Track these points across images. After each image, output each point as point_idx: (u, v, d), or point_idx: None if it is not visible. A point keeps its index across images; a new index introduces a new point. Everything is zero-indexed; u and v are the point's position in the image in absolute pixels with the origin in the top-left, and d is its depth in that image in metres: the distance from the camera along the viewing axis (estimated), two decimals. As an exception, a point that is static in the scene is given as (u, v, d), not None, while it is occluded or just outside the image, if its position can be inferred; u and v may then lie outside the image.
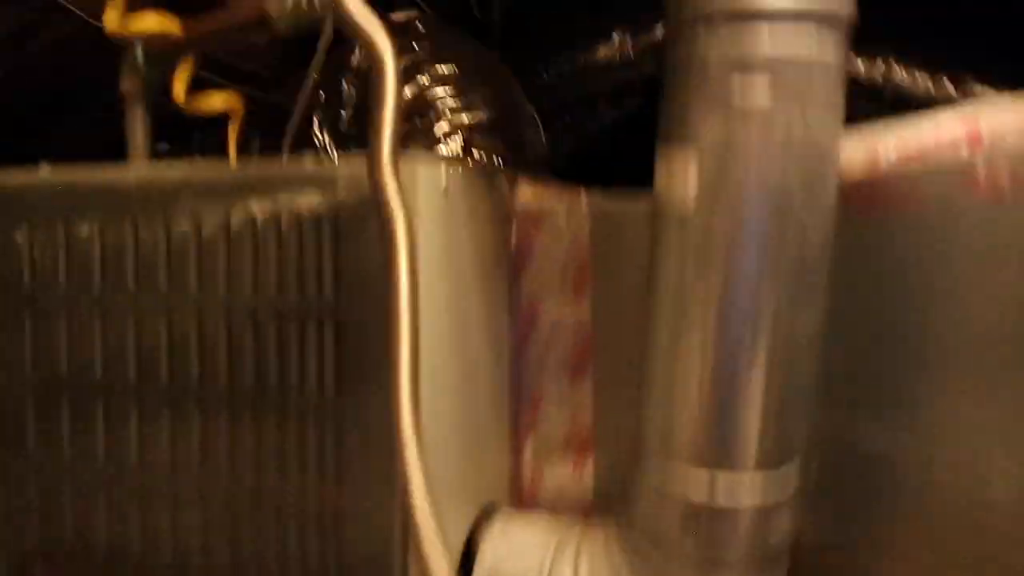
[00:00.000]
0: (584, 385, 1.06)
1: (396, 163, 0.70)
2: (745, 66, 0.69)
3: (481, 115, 2.63)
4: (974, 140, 0.99)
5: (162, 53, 0.93)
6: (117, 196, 0.88)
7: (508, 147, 2.65)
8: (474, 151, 2.56)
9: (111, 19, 0.92)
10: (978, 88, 2.95)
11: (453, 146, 2.58)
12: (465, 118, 2.63)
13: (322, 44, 0.91)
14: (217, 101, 0.99)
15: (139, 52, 0.92)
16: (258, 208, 0.84)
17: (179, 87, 0.95)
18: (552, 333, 1.07)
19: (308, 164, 0.86)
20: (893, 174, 0.85)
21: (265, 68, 3.01)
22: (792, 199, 0.72)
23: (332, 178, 0.83)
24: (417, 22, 2.89)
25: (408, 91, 2.74)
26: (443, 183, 0.88)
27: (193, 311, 0.87)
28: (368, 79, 2.55)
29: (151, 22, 0.92)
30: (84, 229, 0.89)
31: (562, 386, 1.06)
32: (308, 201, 0.83)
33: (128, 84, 0.95)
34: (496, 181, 0.98)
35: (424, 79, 2.74)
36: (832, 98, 0.73)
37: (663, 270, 0.81)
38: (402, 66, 2.74)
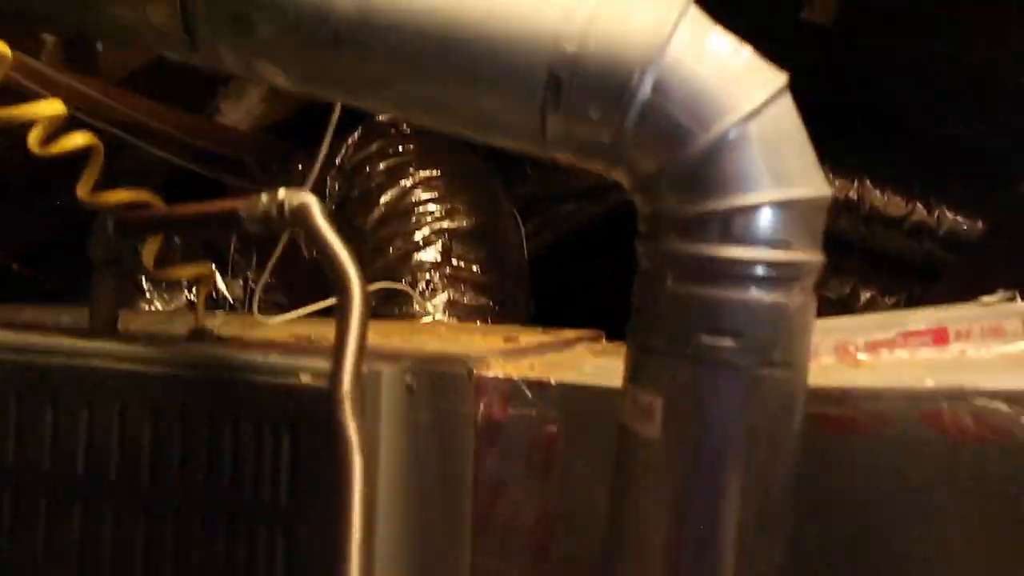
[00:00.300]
0: (545, 570, 1.03)
1: (358, 397, 0.69)
2: (714, 316, 0.69)
3: (461, 221, 2.64)
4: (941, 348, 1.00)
5: (133, 225, 0.92)
6: (73, 378, 0.86)
7: (487, 253, 2.66)
8: (453, 259, 2.56)
9: (83, 189, 0.91)
10: (946, 209, 3.00)
11: (432, 252, 2.58)
12: (445, 224, 2.63)
13: (277, 250, 0.91)
14: (188, 271, 0.98)
15: (110, 223, 0.91)
16: (216, 402, 0.82)
17: (148, 258, 0.94)
18: (515, 512, 1.05)
19: (273, 358, 0.84)
20: (859, 399, 0.84)
21: (250, 154, 3.01)
22: (757, 443, 0.71)
23: (296, 375, 0.81)
24: (404, 123, 2.91)
25: (390, 194, 2.75)
26: (407, 382, 0.87)
27: (141, 504, 0.84)
28: (352, 176, 2.55)
29: (123, 196, 0.91)
30: (37, 408, 0.87)
31: (522, 570, 1.03)
32: (269, 399, 0.82)
33: (96, 251, 0.93)
34: (461, 369, 0.97)
35: (407, 182, 2.75)
36: (798, 340, 0.73)
37: (626, 486, 0.80)
38: (387, 167, 2.74)
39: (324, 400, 0.78)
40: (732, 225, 0.68)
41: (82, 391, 0.87)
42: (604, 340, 1.68)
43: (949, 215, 2.98)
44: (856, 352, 1.06)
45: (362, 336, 0.69)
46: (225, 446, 0.83)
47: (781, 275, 0.70)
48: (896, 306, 3.03)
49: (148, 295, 2.54)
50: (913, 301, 3.01)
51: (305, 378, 0.78)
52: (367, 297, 0.70)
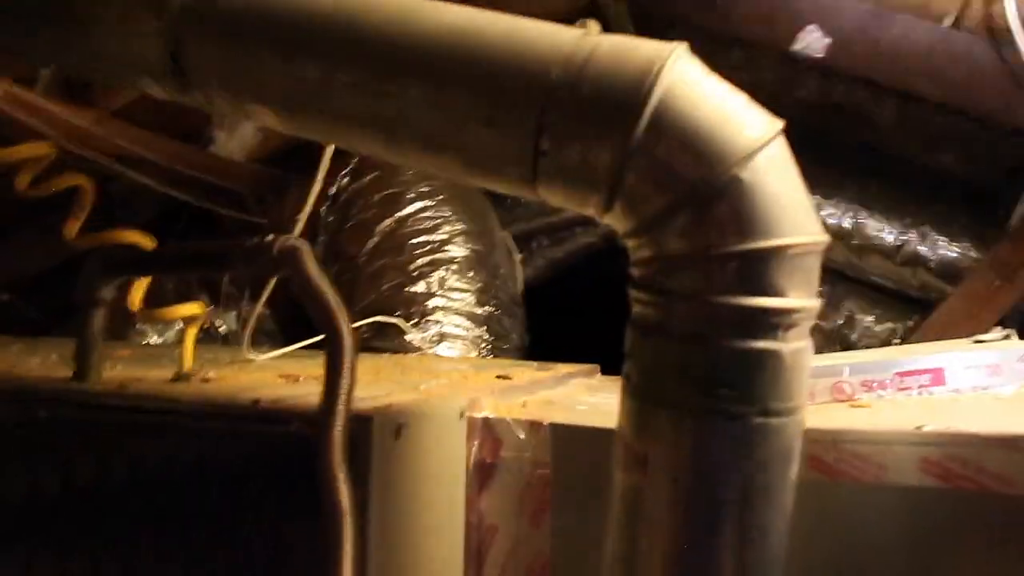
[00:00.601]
0: (539, 616, 1.01)
1: (346, 449, 0.67)
2: (707, 364, 0.68)
3: (456, 253, 2.63)
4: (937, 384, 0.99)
5: (121, 265, 0.91)
6: (53, 426, 0.85)
7: (482, 284, 2.65)
8: (447, 290, 2.54)
9: (71, 230, 0.90)
10: (939, 240, 3.01)
11: (426, 284, 2.56)
12: (440, 255, 2.62)
13: (265, 292, 0.90)
14: (178, 312, 0.97)
15: (97, 264, 0.90)
16: (200, 451, 0.81)
17: (136, 298, 0.93)
18: (509, 556, 1.03)
19: (260, 404, 0.83)
20: (856, 443, 0.83)
21: (244, 185, 3.01)
22: (753, 493, 0.70)
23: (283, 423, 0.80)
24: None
25: (384, 225, 2.74)
26: (397, 424, 0.85)
27: (118, 553, 0.82)
28: (347, 206, 2.53)
29: (111, 236, 0.90)
30: (15, 455, 0.85)
31: (516, 615, 1.01)
32: (255, 448, 0.80)
33: (83, 293, 0.92)
34: (452, 410, 0.96)
35: (402, 213, 2.74)
36: (794, 388, 0.71)
37: (621, 534, 0.79)
38: (381, 197, 2.73)
39: (312, 450, 0.76)
40: (725, 272, 0.67)
41: (61, 439, 0.85)
42: (599, 374, 1.67)
43: (943, 245, 2.99)
44: (852, 392, 1.05)
45: (350, 386, 0.68)
46: (209, 495, 0.81)
47: (776, 322, 0.69)
48: (891, 336, 3.02)
49: (140, 327, 2.52)
50: (908, 332, 3.00)
51: (293, 426, 0.77)
52: (356, 346, 0.69)
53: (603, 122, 0.70)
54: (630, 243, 0.75)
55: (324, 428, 0.67)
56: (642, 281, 0.74)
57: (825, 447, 0.83)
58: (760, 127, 0.71)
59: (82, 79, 2.26)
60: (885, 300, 3.05)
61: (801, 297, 0.70)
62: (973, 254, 2.95)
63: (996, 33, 2.34)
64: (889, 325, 3.05)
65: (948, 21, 2.53)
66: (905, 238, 2.97)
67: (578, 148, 0.71)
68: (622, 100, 0.70)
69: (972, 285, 2.54)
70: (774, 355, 0.69)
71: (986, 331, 2.31)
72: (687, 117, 0.69)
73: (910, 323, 3.05)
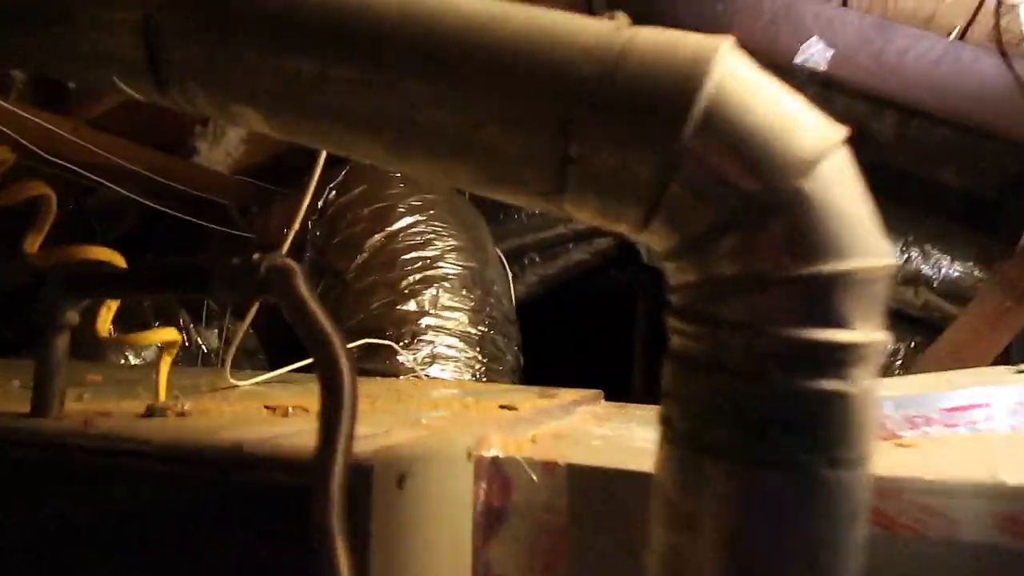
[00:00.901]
0: None
1: (342, 504, 0.57)
2: (766, 408, 0.59)
3: (449, 270, 2.53)
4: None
5: (87, 286, 0.80)
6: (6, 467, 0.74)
7: (475, 303, 2.54)
8: (439, 310, 2.44)
9: (30, 245, 0.80)
10: (942, 258, 2.93)
11: (418, 302, 2.46)
12: (432, 273, 2.52)
13: (248, 316, 0.79)
14: (158, 336, 0.86)
15: (59, 283, 0.80)
16: (172, 503, 0.70)
17: (103, 324, 0.83)
18: (518, 611, 0.92)
19: (244, 447, 0.72)
20: (919, 493, 0.74)
21: (228, 198, 2.90)
22: (821, 557, 0.60)
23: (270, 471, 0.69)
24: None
25: (374, 241, 2.63)
26: (400, 472, 0.75)
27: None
28: (335, 221, 2.40)
29: (75, 253, 0.80)
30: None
31: None
32: (237, 499, 0.69)
33: (42, 316, 0.81)
34: (458, 450, 0.85)
35: (392, 228, 2.63)
36: (863, 434, 0.62)
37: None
38: (371, 212, 2.62)
39: (306, 504, 0.66)
40: (784, 300, 0.58)
41: (14, 482, 0.74)
42: (603, 400, 1.57)
43: (945, 264, 2.93)
44: (895, 429, 0.95)
45: (350, 431, 0.58)
46: (185, 552, 0.70)
47: (843, 359, 0.59)
48: (893, 358, 2.95)
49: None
50: (910, 353, 2.93)
51: (282, 476, 0.66)
52: (355, 381, 0.59)
53: (644, 123, 0.61)
54: (670, 265, 0.65)
55: (320, 480, 0.57)
56: (684, 309, 0.64)
57: (885, 496, 0.73)
58: (823, 132, 0.62)
59: (56, 82, 2.15)
60: (888, 321, 2.97)
61: (870, 329, 0.61)
62: (976, 273, 2.89)
63: (1006, 46, 2.29)
64: (891, 346, 2.98)
65: (954, 34, 2.48)
66: (907, 256, 2.91)
67: (614, 154, 0.62)
68: (666, 98, 0.60)
69: (981, 306, 2.47)
70: (843, 396, 0.59)
71: (997, 353, 2.22)
72: (741, 119, 0.60)
73: (912, 344, 2.98)
